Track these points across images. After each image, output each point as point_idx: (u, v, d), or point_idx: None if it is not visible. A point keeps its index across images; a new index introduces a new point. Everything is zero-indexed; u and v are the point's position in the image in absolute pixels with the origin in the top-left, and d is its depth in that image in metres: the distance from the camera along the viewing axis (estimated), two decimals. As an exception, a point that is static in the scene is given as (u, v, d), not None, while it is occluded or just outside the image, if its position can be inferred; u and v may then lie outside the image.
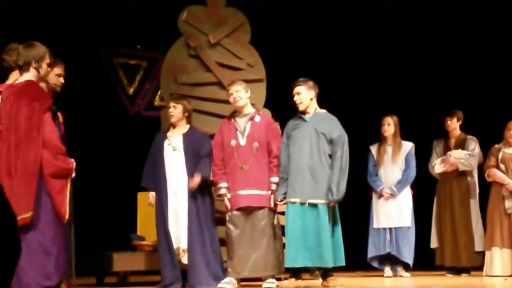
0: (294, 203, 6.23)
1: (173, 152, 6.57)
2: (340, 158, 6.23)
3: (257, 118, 6.55)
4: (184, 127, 6.67)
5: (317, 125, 6.32)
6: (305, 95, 6.36)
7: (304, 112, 6.40)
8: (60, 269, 4.76)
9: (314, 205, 6.18)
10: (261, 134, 6.47)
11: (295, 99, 6.38)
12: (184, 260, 6.49)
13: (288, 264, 6.28)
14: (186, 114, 6.67)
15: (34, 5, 8.17)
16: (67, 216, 4.76)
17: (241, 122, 6.53)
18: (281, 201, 6.37)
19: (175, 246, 6.50)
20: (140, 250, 7.20)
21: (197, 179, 6.42)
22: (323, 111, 6.46)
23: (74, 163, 4.92)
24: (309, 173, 6.23)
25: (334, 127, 6.33)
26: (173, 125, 6.69)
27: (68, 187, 4.82)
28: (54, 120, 4.91)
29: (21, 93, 4.80)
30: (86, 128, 8.32)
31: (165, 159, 6.57)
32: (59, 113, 5.80)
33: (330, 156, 6.28)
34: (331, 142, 6.29)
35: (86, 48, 8.67)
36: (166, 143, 6.61)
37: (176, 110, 6.65)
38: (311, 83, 6.39)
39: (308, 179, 6.22)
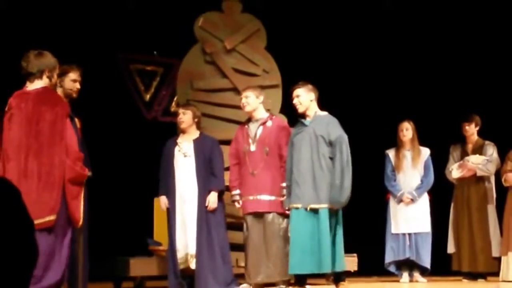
0: (297, 208, 6.19)
1: (184, 159, 6.57)
2: (340, 161, 6.10)
3: (269, 123, 6.55)
4: (194, 133, 6.68)
5: (316, 128, 6.25)
6: (304, 97, 6.32)
7: (304, 116, 6.36)
8: (58, 273, 4.75)
9: (315, 210, 6.13)
10: (272, 139, 6.46)
11: (294, 102, 6.35)
12: (192, 265, 6.46)
13: (292, 271, 6.20)
14: (196, 120, 6.69)
15: (52, 11, 8.21)
16: (81, 221, 4.82)
17: (253, 128, 6.55)
18: (289, 209, 6.33)
19: (183, 252, 6.48)
20: (157, 255, 7.21)
21: (214, 198, 6.42)
22: (324, 113, 6.39)
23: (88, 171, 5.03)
24: (311, 178, 6.16)
25: (332, 129, 6.22)
26: (183, 131, 6.70)
27: (83, 193, 4.90)
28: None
29: (41, 99, 4.87)
30: (103, 134, 8.35)
31: (175, 166, 6.57)
32: (76, 119, 5.85)
33: (331, 158, 6.18)
34: (330, 144, 6.19)
35: (103, 54, 8.71)
36: (176, 149, 6.62)
37: (185, 116, 6.66)
38: (310, 86, 6.36)
39: (310, 184, 6.16)
